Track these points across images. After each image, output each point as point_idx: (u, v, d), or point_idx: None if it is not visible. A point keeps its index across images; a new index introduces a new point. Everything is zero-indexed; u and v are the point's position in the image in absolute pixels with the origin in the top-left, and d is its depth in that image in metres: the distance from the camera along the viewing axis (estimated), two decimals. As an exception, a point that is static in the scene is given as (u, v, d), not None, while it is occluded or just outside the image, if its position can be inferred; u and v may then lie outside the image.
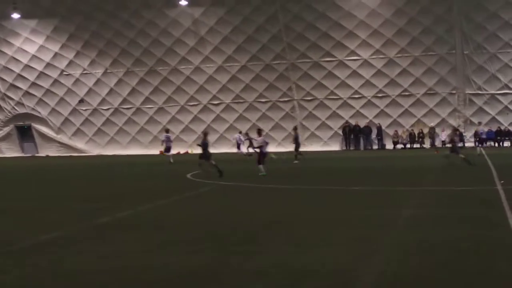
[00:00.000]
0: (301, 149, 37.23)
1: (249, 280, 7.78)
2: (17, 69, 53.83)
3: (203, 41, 50.31)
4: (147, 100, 52.44)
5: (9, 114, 55.23)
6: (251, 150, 36.50)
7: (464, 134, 47.52)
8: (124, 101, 52.88)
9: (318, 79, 48.90)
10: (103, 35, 51.58)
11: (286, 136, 49.74)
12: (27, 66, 53.72)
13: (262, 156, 24.19)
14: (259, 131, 25.26)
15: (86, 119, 53.92)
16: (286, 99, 50.17)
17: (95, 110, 53.59)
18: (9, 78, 54.13)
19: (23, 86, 54.17)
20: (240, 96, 50.55)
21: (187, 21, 50.15)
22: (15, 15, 51.78)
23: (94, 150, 53.65)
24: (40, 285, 7.84)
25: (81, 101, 53.55)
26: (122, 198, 17.82)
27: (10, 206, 16.08)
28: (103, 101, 53.31)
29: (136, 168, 32.37)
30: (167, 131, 38.53)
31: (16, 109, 55.00)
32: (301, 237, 10.56)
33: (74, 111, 53.92)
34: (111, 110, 53.29)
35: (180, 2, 49.37)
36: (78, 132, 54.08)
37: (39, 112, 54.71)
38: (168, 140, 35.90)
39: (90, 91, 53.31)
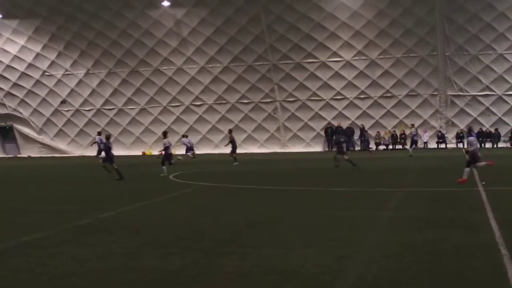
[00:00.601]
0: (285, 150, 37.27)
1: (230, 281, 7.79)
2: (-2, 69, 53.14)
3: (185, 42, 50.14)
4: (129, 101, 52.24)
5: (-10, 115, 54.44)
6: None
7: (446, 135, 47.77)
8: (106, 102, 52.60)
9: (301, 80, 48.92)
10: (85, 36, 51.24)
11: (269, 137, 49.72)
12: (8, 67, 53.27)
13: (166, 157, 25.94)
14: (165, 133, 27.41)
15: (68, 120, 53.63)
16: (268, 100, 50.14)
17: (77, 111, 53.31)
18: (-9, 79, 53.36)
19: (5, 86, 53.80)
20: (223, 97, 50.46)
21: (169, 22, 49.96)
22: (-4, 16, 51.08)
23: (76, 151, 53.29)
24: (20, 286, 7.83)
25: (63, 102, 53.22)
26: (103, 200, 17.76)
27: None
28: (85, 102, 53.02)
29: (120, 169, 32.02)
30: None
31: (-3, 110, 54.23)
32: (283, 238, 10.56)
33: (56, 112, 53.56)
34: (93, 111, 53.02)
35: (162, 3, 49.14)
36: (60, 133, 53.72)
37: (20, 113, 54.27)
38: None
39: (72, 92, 52.99)
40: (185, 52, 50.28)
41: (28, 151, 54.46)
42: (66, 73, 52.79)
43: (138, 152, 51.66)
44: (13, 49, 52.86)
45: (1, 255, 9.79)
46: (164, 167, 26.10)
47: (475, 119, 47.57)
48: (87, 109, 53.24)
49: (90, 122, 53.09)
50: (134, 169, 31.83)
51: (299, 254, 9.22)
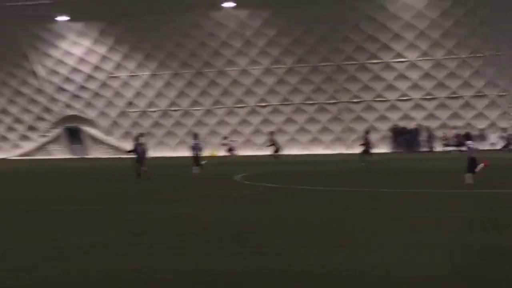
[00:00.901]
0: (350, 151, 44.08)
1: (288, 280, 9.41)
2: (65, 71, 61.87)
3: (249, 44, 57.28)
4: (194, 102, 59.92)
5: (57, 116, 63.21)
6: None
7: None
8: (172, 103, 60.32)
9: (365, 81, 55.88)
10: (150, 38, 59.08)
11: (333, 139, 56.83)
12: (75, 69, 61.74)
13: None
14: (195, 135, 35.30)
15: (135, 122, 61.61)
16: (333, 101, 57.34)
17: (143, 112, 61.22)
18: (58, 81, 62.11)
19: (72, 88, 62.10)
20: (287, 98, 57.77)
21: (233, 23, 57.11)
22: (61, 18, 59.23)
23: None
24: (83, 286, 9.38)
25: (129, 103, 61.14)
26: (167, 200, 21.22)
27: (59, 209, 19.28)
28: (150, 103, 60.83)
29: (183, 170, 37.00)
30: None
31: (64, 112, 62.94)
32: (348, 239, 12.66)
33: (122, 113, 61.62)
34: (159, 113, 60.93)
35: (225, 4, 56.14)
36: (126, 135, 61.79)
37: (87, 114, 62.48)
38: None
39: (137, 93, 60.86)
40: (249, 53, 57.46)
41: (95, 152, 62.83)
42: (131, 74, 60.66)
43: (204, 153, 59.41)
44: (79, 51, 61.57)
45: (63, 255, 11.63)
46: (197, 166, 32.83)
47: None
48: (152, 110, 61.18)
49: (156, 124, 61.13)
50: (208, 168, 37.23)
51: (362, 255, 11.04)
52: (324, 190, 23.54)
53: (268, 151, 49.83)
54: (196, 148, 34.51)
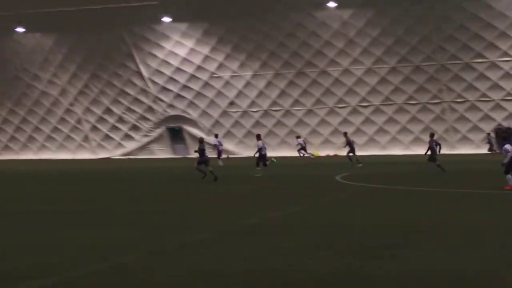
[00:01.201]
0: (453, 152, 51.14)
1: (394, 283, 10.39)
2: (168, 72, 71.91)
3: (352, 43, 65.58)
4: (296, 102, 68.48)
5: (160, 116, 73.83)
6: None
7: None
8: (273, 103, 69.10)
9: (469, 80, 63.32)
10: (252, 38, 68.38)
11: (437, 139, 63.86)
12: (178, 69, 71.58)
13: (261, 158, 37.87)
14: (258, 136, 40.53)
15: (236, 121, 70.60)
16: (436, 101, 64.91)
17: (244, 112, 70.26)
18: (161, 81, 72.48)
19: (174, 88, 72.19)
20: (390, 98, 65.71)
21: (336, 23, 65.61)
22: (166, 19, 69.02)
23: (244, 152, 70.30)
24: (183, 285, 10.61)
25: (231, 103, 70.21)
26: (270, 200, 23.52)
27: (162, 208, 21.94)
28: (252, 103, 69.91)
29: (285, 170, 42.67)
30: (216, 136, 58.29)
31: (167, 111, 73.03)
32: (451, 243, 13.86)
33: (224, 113, 71.01)
34: (261, 112, 69.83)
35: (328, 4, 64.78)
36: (228, 134, 71.06)
37: (189, 114, 72.51)
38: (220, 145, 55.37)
39: (239, 93, 70.17)
40: (352, 53, 65.85)
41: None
42: (234, 74, 69.95)
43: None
44: (182, 52, 71.47)
45: (168, 253, 13.26)
46: (258, 168, 37.12)
47: None
48: (254, 110, 70.33)
49: (257, 123, 70.09)
50: (299, 170, 43.73)
51: (465, 257, 12.29)
52: (430, 191, 26.38)
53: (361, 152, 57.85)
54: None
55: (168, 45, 72.92)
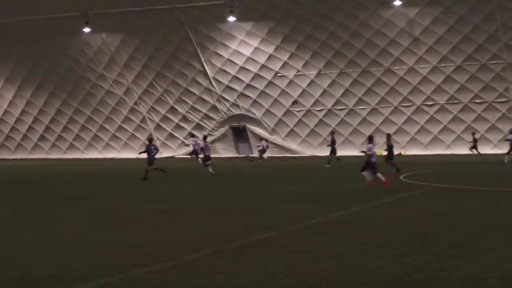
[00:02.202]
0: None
1: (463, 285, 10.31)
2: (232, 71, 73.30)
3: (417, 42, 66.65)
4: (360, 101, 69.25)
5: (224, 115, 74.95)
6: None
7: None
8: (337, 102, 69.98)
9: (537, 79, 63.27)
10: (317, 36, 69.66)
11: (502, 138, 64.17)
12: (242, 68, 72.95)
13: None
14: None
15: (300, 120, 71.81)
16: (502, 99, 64.88)
17: (308, 111, 71.61)
18: (225, 80, 73.82)
19: (239, 87, 73.50)
20: (455, 96, 66.24)
21: (402, 22, 66.90)
22: (231, 18, 70.43)
23: (307, 151, 71.04)
24: (252, 285, 10.54)
25: (295, 102, 71.80)
26: (334, 200, 23.88)
27: (223, 207, 22.19)
28: (316, 102, 71.10)
29: (349, 170, 42.21)
30: (193, 135, 60.15)
31: (231, 110, 74.62)
32: None
33: (287, 112, 72.47)
34: (324, 111, 71.11)
35: (395, 3, 66.03)
36: (291, 133, 72.37)
37: (253, 113, 73.84)
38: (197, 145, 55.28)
39: (303, 92, 71.54)
40: (417, 52, 66.84)
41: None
42: (298, 73, 71.58)
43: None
44: (247, 51, 72.62)
45: (235, 253, 13.11)
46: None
47: None
48: (318, 109, 71.38)
49: (321, 122, 71.02)
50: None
51: None
52: (492, 190, 26.46)
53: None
54: (204, 149, 43.81)
55: (233, 45, 74.16)
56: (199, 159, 54.25)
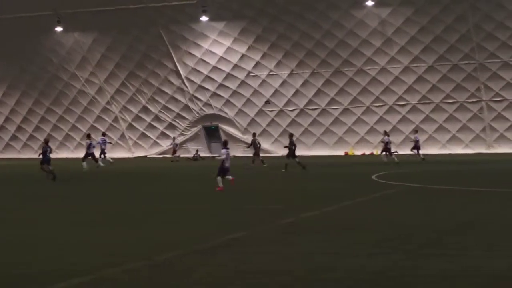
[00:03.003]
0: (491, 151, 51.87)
1: (434, 284, 10.33)
2: (205, 70, 73.38)
3: (389, 42, 66.58)
4: (332, 101, 69.46)
5: (197, 115, 75.16)
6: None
7: None
8: (310, 102, 70.01)
9: (508, 79, 64.01)
10: (290, 36, 69.94)
11: (474, 138, 64.56)
12: (215, 68, 72.98)
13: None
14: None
15: (272, 120, 71.94)
16: (474, 100, 65.60)
17: (281, 111, 71.52)
18: (198, 80, 73.96)
19: (211, 87, 73.54)
20: (427, 96, 66.37)
21: (374, 22, 67.16)
22: (204, 18, 70.42)
23: (279, 151, 71.09)
24: (225, 283, 10.58)
25: (267, 102, 71.83)
26: (308, 199, 23.92)
27: (196, 207, 22.38)
28: (288, 102, 71.20)
29: (322, 169, 43.96)
30: (104, 134, 59.74)
31: (204, 110, 74.64)
32: (490, 241, 13.99)
33: (260, 112, 72.18)
34: (297, 111, 71.04)
35: (367, 3, 66.38)
36: (264, 133, 72.22)
37: (226, 113, 73.58)
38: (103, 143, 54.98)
39: (276, 92, 71.66)
40: (389, 52, 67.09)
41: (233, 151, 72.83)
42: (271, 73, 71.73)
43: (340, 152, 68.88)
44: (219, 51, 72.73)
45: (209, 251, 13.22)
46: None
47: None
48: (290, 109, 71.42)
49: (293, 122, 71.40)
50: (334, 169, 44.48)
51: (508, 258, 12.11)
52: (463, 190, 26.49)
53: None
54: (90, 147, 49.12)
55: (205, 44, 73.98)
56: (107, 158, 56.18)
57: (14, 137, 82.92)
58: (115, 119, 79.18)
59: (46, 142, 39.62)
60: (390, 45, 68.07)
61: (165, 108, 77.06)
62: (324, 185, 30.03)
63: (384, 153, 53.39)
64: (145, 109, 77.81)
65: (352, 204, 21.83)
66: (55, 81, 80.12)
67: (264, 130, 74.02)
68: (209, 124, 76.43)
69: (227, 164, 28.44)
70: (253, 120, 74.50)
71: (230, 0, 70.42)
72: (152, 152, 77.63)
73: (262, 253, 13.01)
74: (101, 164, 51.53)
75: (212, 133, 76.55)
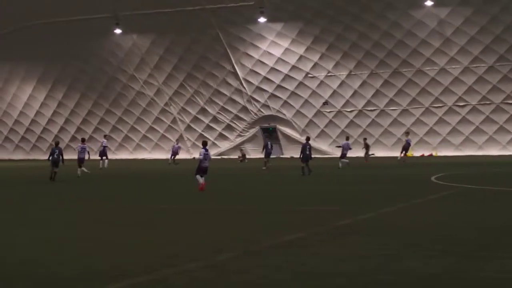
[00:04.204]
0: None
1: (491, 286, 10.32)
2: (263, 72, 74.02)
3: (448, 42, 66.72)
4: (391, 102, 69.72)
5: (255, 116, 75.68)
6: None
7: None
8: (368, 103, 70.45)
9: None
10: (348, 37, 70.13)
11: None
12: (272, 69, 73.46)
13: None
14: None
15: (330, 121, 72.29)
16: (533, 100, 65.06)
17: (339, 112, 71.95)
18: (256, 81, 74.40)
19: (269, 88, 74.10)
20: (487, 97, 65.93)
21: (433, 22, 66.95)
22: (262, 19, 71.01)
23: (337, 152, 71.16)
24: (280, 285, 10.61)
25: (325, 103, 72.23)
26: (364, 201, 23.63)
27: (244, 207, 22.25)
28: (347, 103, 71.63)
29: (377, 171, 43.44)
30: (105, 136, 59.24)
31: (261, 111, 75.21)
32: None
33: (318, 113, 72.96)
34: (355, 112, 71.37)
35: (426, 3, 66.01)
36: (322, 134, 72.79)
37: (284, 114, 74.16)
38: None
39: (334, 93, 71.97)
40: (448, 52, 66.90)
41: (290, 152, 73.62)
42: (329, 74, 72.10)
43: (398, 154, 68.60)
44: (277, 52, 73.21)
45: (263, 254, 13.17)
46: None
47: None
48: (348, 110, 71.64)
49: (351, 123, 71.48)
50: (392, 170, 44.05)
51: None
52: None
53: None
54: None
55: (263, 45, 74.58)
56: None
57: (73, 138, 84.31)
58: (174, 121, 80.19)
59: (56, 144, 40.53)
60: (449, 45, 67.85)
61: (223, 109, 77.86)
62: (381, 187, 29.52)
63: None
64: (203, 111, 78.70)
65: (408, 206, 21.63)
66: (114, 83, 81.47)
67: (322, 131, 74.40)
68: (267, 125, 77.13)
69: (205, 164, 28.95)
70: (311, 121, 74.90)
71: (287, 1, 70.94)
72: (211, 154, 78.32)
73: (318, 255, 12.88)
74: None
75: (270, 134, 77.15)
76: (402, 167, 47.51)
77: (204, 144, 30.41)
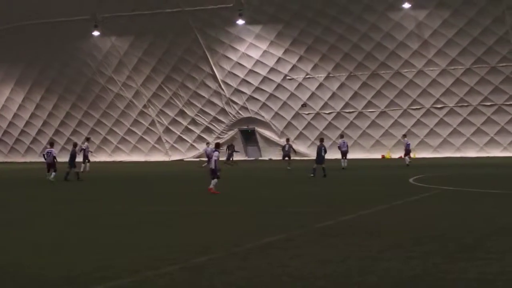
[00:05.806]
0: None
1: (472, 287, 10.36)
2: (241, 74, 74.01)
3: (426, 44, 66.77)
4: (369, 104, 69.87)
5: (233, 118, 75.82)
6: None
7: None
8: (346, 105, 70.53)
9: (547, 81, 63.72)
10: (326, 39, 70.38)
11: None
12: (251, 71, 73.51)
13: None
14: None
15: (309, 123, 72.35)
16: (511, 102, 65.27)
17: (317, 114, 72.01)
18: (234, 83, 74.56)
19: (247, 91, 74.14)
20: (464, 99, 66.39)
21: (411, 24, 67.23)
22: (240, 21, 71.11)
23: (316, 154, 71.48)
24: (261, 286, 10.70)
25: (304, 105, 72.13)
26: (345, 202, 23.95)
27: (231, 209, 22.39)
28: (325, 105, 71.74)
29: (354, 172, 44.22)
30: (88, 139, 56.98)
31: (240, 114, 75.19)
32: None
33: (296, 115, 72.73)
34: (333, 114, 71.59)
35: (404, 5, 66.23)
36: (300, 136, 72.80)
37: (262, 116, 74.18)
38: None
39: (312, 95, 72.15)
40: (426, 54, 67.27)
41: (269, 154, 73.69)
42: (307, 76, 71.95)
43: (377, 156, 69.04)
44: (256, 54, 73.32)
45: (245, 255, 13.24)
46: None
47: None
48: (327, 112, 71.88)
49: (330, 125, 71.67)
50: (373, 172, 44.85)
51: None
52: (502, 193, 26.21)
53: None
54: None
55: (242, 48, 74.58)
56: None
57: (52, 140, 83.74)
58: (152, 123, 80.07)
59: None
60: (427, 47, 68.15)
61: (202, 111, 77.80)
62: (361, 189, 29.84)
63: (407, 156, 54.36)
64: (181, 113, 78.64)
65: (388, 208, 21.73)
66: (92, 85, 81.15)
67: (301, 134, 74.55)
68: (245, 127, 77.19)
69: (211, 166, 28.46)
70: (289, 123, 74.99)
71: (266, 3, 71.07)
72: (189, 156, 78.46)
73: (300, 257, 12.92)
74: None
75: (248, 137, 77.22)
76: (392, 168, 48.15)
77: (217, 146, 30.10)
